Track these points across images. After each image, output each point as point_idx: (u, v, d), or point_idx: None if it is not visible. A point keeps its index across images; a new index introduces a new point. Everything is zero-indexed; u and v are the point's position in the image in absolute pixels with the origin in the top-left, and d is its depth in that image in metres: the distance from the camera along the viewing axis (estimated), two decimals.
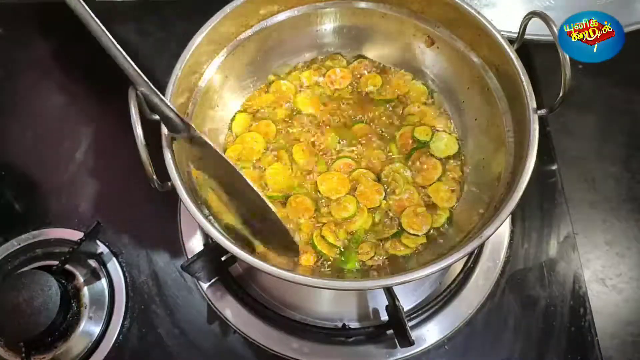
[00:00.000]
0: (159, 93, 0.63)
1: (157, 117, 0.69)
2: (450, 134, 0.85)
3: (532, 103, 0.69)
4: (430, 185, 0.82)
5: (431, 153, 0.84)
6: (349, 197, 0.81)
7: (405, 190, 0.81)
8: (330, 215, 0.80)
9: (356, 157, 0.84)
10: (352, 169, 0.83)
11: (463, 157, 0.84)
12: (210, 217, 0.69)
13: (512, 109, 0.75)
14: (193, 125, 0.67)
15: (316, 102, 0.89)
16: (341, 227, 0.79)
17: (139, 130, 0.60)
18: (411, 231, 0.78)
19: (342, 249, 0.78)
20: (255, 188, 0.66)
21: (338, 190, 0.81)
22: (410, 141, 0.85)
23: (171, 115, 0.65)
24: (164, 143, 0.68)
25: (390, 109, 0.88)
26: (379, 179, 0.82)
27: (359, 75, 0.91)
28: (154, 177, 0.63)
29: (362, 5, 0.86)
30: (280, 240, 0.71)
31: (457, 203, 0.80)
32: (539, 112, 0.69)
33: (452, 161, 0.83)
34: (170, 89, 0.71)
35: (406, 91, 0.89)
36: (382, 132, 0.86)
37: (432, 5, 0.81)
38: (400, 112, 0.88)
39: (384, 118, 0.88)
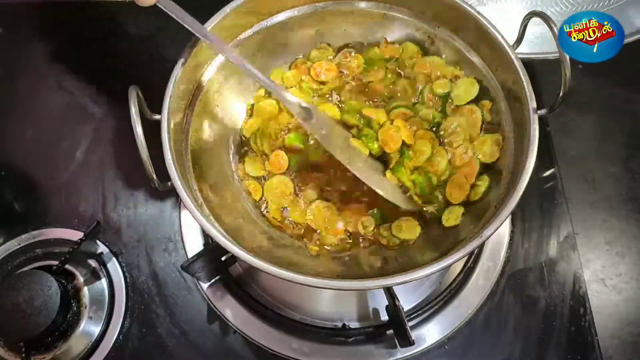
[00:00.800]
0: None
1: (157, 116, 0.69)
2: (466, 77, 0.82)
3: (532, 103, 0.69)
4: (478, 137, 0.79)
5: (456, 104, 0.81)
6: (420, 140, 0.80)
7: (462, 144, 0.79)
8: (411, 158, 0.79)
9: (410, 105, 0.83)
10: (409, 116, 0.82)
11: (490, 96, 0.80)
12: (210, 217, 0.69)
13: (512, 109, 0.75)
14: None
15: (306, 97, 0.87)
16: (423, 169, 0.79)
17: (139, 130, 0.60)
18: (455, 200, 0.76)
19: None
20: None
21: (410, 137, 0.80)
22: (436, 98, 0.83)
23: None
24: (164, 143, 0.68)
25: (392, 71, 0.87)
26: (435, 131, 0.81)
27: (345, 66, 0.89)
28: (154, 177, 0.63)
29: (362, 5, 0.86)
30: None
31: (499, 156, 0.77)
32: (539, 112, 0.68)
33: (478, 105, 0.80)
34: (170, 89, 0.71)
35: (400, 53, 0.87)
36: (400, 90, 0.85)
37: (432, 5, 0.81)
38: (404, 67, 0.86)
39: (389, 77, 0.87)
